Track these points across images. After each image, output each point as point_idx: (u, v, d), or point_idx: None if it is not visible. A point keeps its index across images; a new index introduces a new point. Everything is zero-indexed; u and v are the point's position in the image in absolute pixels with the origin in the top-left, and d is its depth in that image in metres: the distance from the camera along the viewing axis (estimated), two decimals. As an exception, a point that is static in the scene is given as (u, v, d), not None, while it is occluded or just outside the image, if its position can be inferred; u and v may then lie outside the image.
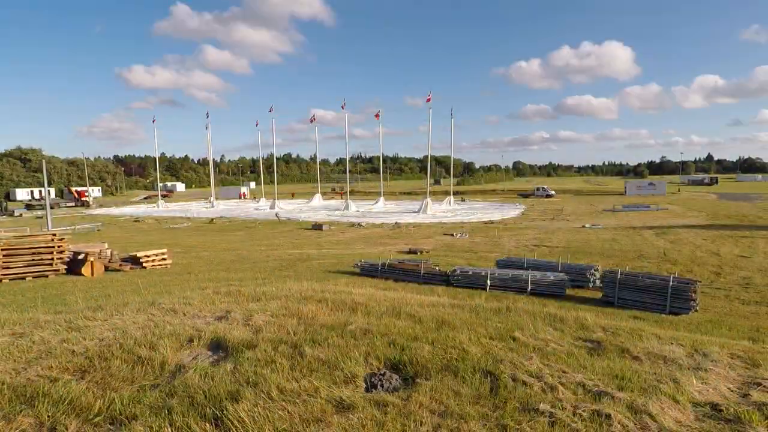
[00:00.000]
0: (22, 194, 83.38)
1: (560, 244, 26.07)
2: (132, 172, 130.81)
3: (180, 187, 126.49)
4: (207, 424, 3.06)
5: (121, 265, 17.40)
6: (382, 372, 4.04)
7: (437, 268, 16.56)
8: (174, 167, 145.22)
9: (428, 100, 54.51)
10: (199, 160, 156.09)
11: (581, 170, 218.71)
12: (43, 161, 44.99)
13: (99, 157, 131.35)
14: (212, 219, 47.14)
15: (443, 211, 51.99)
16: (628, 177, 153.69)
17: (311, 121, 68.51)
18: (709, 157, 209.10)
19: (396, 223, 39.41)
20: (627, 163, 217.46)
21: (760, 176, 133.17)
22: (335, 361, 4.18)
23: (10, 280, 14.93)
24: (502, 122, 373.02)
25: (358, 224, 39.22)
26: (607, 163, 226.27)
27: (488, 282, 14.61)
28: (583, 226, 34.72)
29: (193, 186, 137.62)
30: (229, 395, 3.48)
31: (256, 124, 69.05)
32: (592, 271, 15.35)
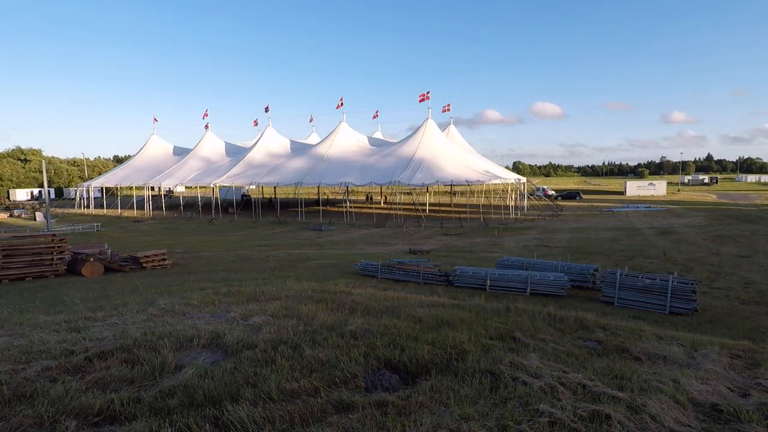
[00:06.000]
0: (22, 194, 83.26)
1: (560, 244, 26.07)
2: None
3: (180, 188, 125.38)
4: (207, 424, 3.05)
5: (121, 265, 17.41)
6: (381, 372, 4.03)
7: (437, 268, 16.56)
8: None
9: (421, 99, 53.60)
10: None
11: (581, 170, 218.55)
12: (43, 161, 44.93)
13: (99, 156, 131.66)
14: (213, 219, 47.18)
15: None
16: (628, 177, 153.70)
17: (309, 121, 68.44)
18: (709, 157, 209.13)
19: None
20: (627, 163, 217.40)
21: (757, 176, 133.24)
22: (335, 361, 4.18)
23: (9, 280, 14.95)
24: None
25: (359, 224, 39.27)
26: (606, 163, 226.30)
27: (488, 282, 14.61)
28: (583, 226, 34.73)
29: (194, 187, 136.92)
30: (228, 395, 3.48)
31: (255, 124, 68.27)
32: (592, 271, 15.35)
